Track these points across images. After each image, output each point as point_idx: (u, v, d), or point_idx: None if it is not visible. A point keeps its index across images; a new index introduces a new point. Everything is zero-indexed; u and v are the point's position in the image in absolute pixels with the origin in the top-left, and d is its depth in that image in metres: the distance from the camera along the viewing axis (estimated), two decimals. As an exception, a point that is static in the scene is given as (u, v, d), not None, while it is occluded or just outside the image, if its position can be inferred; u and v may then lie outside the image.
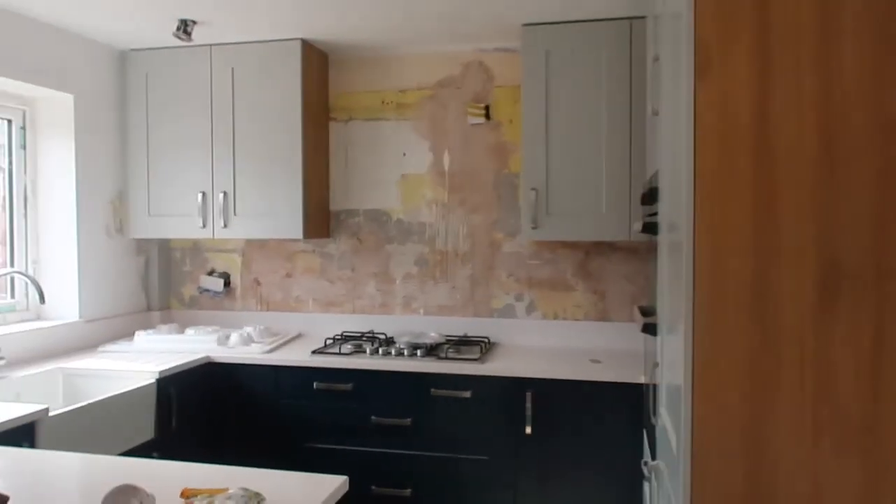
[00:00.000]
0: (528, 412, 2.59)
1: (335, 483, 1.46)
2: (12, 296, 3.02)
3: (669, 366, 1.59)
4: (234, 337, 3.07)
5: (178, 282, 3.64)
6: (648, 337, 2.29)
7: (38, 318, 3.09)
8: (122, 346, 3.05)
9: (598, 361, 2.73)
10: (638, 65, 2.75)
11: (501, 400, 2.63)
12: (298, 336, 3.37)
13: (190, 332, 3.19)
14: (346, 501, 2.73)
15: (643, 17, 2.71)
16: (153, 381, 2.59)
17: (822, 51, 1.30)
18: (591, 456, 2.55)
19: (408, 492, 2.72)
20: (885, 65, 1.27)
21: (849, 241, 1.28)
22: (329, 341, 3.09)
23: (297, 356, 2.87)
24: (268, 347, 3.00)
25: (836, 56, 1.29)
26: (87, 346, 3.09)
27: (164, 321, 3.57)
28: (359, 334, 3.22)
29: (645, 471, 1.94)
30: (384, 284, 3.35)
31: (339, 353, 2.87)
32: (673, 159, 1.65)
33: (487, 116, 3.23)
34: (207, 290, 3.58)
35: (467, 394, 2.65)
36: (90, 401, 2.31)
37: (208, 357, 2.90)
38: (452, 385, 2.68)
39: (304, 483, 1.47)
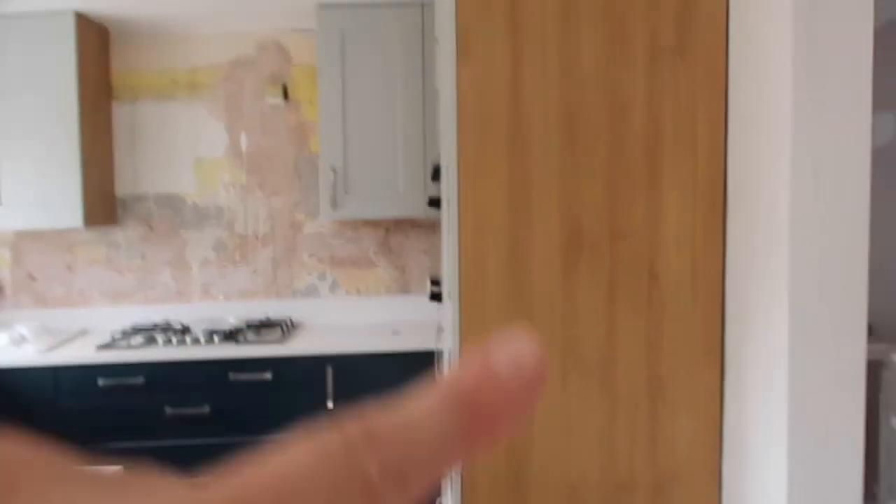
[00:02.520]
0: (330, 388, 2.64)
1: (110, 474, 1.40)
2: None
3: (447, 331, 1.71)
4: (2, 338, 2.77)
5: (-68, 281, 3.20)
6: (438, 305, 2.43)
7: None
8: None
9: (398, 333, 2.84)
10: (430, 48, 2.86)
11: (303, 378, 2.65)
12: (83, 333, 3.12)
13: (-53, 336, 2.82)
14: None
15: (433, 2, 2.83)
16: None
17: (564, 36, 1.46)
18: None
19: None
20: (614, 49, 1.46)
21: (589, 209, 1.47)
22: (117, 335, 2.90)
23: (79, 354, 2.67)
24: (44, 347, 2.75)
25: (574, 40, 1.46)
26: None
27: (-85, 327, 3.12)
28: (151, 326, 3.05)
29: None
30: (179, 272, 3.20)
31: (129, 347, 2.71)
32: (446, 138, 1.76)
33: (286, 97, 3.18)
34: (-31, 289, 3.18)
35: (268, 375, 2.64)
36: None
37: (-30, 362, 2.60)
38: (252, 368, 2.64)
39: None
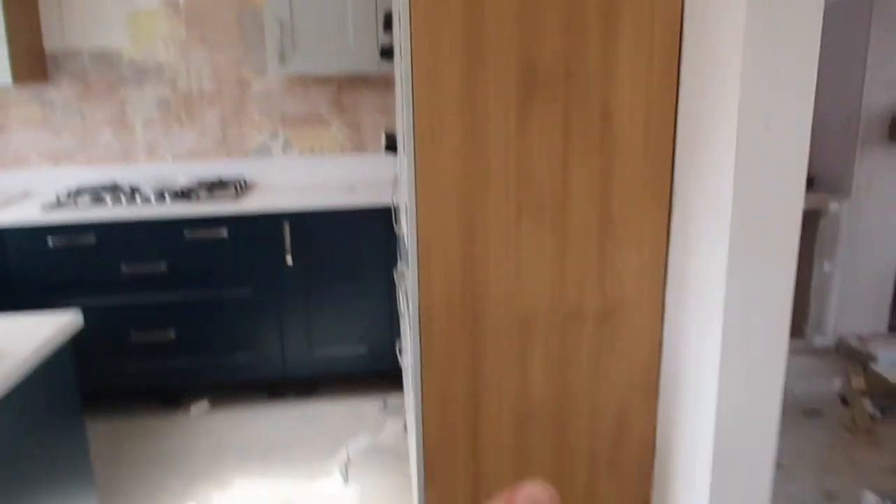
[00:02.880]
0: (287, 244, 2.66)
1: (63, 319, 1.41)
2: None
3: (402, 177, 1.72)
4: (-58, 200, 2.66)
5: None
6: (394, 159, 2.42)
7: None
8: None
9: (354, 190, 2.84)
10: None
11: (260, 235, 2.65)
12: (24, 195, 3.02)
13: None
14: (106, 353, 2.64)
15: None
16: None
17: None
18: (351, 275, 2.72)
19: (171, 333, 2.70)
20: None
21: (544, 47, 1.44)
22: (63, 197, 2.82)
23: (25, 215, 2.60)
24: (-13, 207, 2.66)
25: None
26: None
27: None
28: (98, 186, 2.97)
29: (396, 278, 2.13)
30: (122, 132, 3.07)
31: (77, 207, 2.64)
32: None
33: (221, -61, 2.94)
34: None
35: (224, 232, 2.63)
36: None
37: None
38: (207, 226, 2.63)
39: (31, 324, 1.40)
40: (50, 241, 2.58)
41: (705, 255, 1.39)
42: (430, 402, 1.56)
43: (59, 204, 2.70)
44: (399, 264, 2.23)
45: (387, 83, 3.09)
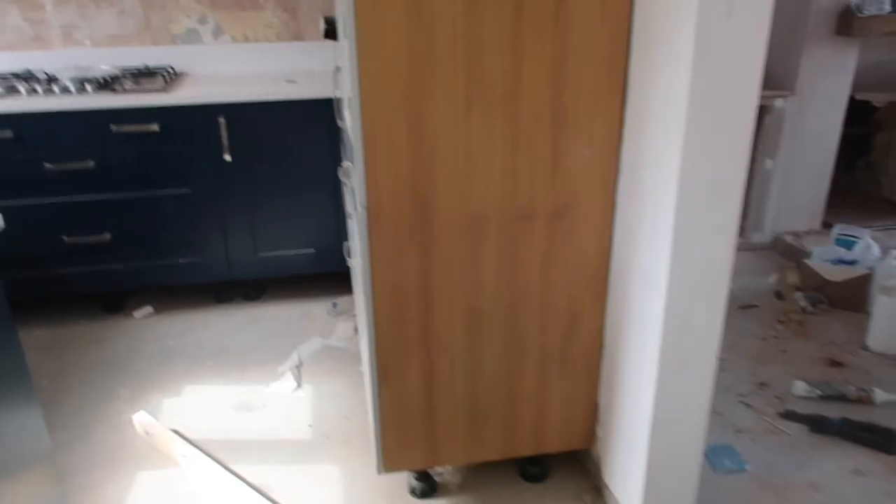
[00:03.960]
0: (224, 139, 2.51)
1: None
2: None
3: (346, 70, 1.60)
4: None
5: None
6: (336, 49, 2.27)
7: None
8: None
9: (293, 82, 2.67)
10: None
11: (195, 130, 2.49)
12: (-72, 84, 2.74)
13: None
14: (37, 257, 2.51)
15: None
16: None
17: None
18: (294, 173, 2.61)
19: (107, 236, 2.57)
20: None
21: (499, -82, 1.31)
22: (-31, 85, 2.57)
23: (-72, 105, 2.36)
24: None
25: None
26: None
27: None
28: (8, 74, 2.71)
29: (340, 174, 2.03)
30: (32, 12, 2.78)
31: (-14, 97, 2.41)
32: None
33: None
34: None
35: (155, 126, 2.46)
36: None
37: None
38: (136, 119, 2.44)
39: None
40: (-41, 136, 2.37)
41: (659, 150, 1.36)
42: (381, 301, 1.53)
43: (-35, 94, 2.45)
44: (343, 161, 2.13)
45: (326, -38, 2.86)
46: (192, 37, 2.89)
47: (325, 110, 2.52)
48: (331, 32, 1.94)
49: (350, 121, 1.54)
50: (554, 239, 1.55)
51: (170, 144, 2.49)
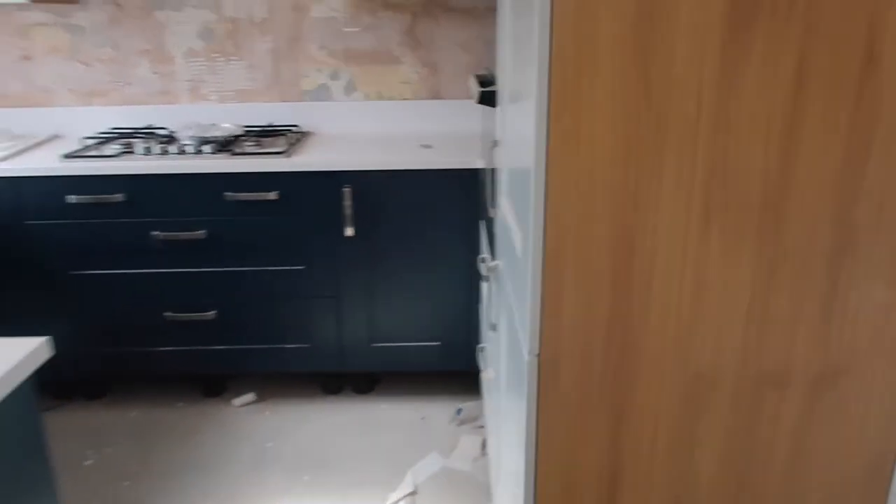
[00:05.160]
0: (348, 211, 2.16)
1: (27, 348, 0.96)
2: None
3: (513, 144, 1.18)
4: (-49, 142, 2.27)
5: None
6: (488, 114, 1.87)
7: None
8: None
9: (428, 146, 2.30)
10: None
11: (316, 199, 2.16)
12: (53, 138, 2.62)
13: None
14: (136, 332, 2.24)
15: None
16: None
17: None
18: (422, 254, 2.21)
19: (212, 314, 2.28)
20: None
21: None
22: (89, 142, 2.39)
23: (43, 163, 2.18)
24: (1, 154, 2.25)
25: None
26: None
27: None
28: (130, 131, 2.53)
29: (482, 269, 1.61)
30: (161, 65, 2.61)
31: (101, 156, 2.21)
32: None
33: None
34: (-90, 82, 2.63)
35: (273, 195, 2.15)
36: None
37: None
38: (253, 186, 2.15)
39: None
40: (69, 197, 2.17)
41: None
42: (548, 486, 1.06)
43: (81, 151, 2.27)
44: (485, 255, 1.70)
45: (471, 11, 2.50)
46: (322, 93, 2.61)
47: (464, 182, 2.13)
48: (487, 97, 1.54)
49: (519, 227, 1.11)
50: (813, 416, 1.03)
51: (287, 214, 2.18)
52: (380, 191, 2.15)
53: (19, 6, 2.53)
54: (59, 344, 2.33)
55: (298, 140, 2.42)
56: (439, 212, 2.17)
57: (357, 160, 2.13)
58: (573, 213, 0.93)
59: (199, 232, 2.20)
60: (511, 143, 1.21)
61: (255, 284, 2.26)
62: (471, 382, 2.44)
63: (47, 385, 2.52)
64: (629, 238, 0.93)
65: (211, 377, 2.46)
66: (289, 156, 2.20)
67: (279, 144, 2.31)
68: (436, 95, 2.59)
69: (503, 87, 1.37)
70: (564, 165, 0.91)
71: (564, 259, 0.95)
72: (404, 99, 2.60)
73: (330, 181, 2.14)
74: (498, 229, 1.48)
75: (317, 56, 2.58)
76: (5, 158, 2.25)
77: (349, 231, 2.19)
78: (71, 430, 2.29)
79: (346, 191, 2.14)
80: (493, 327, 1.58)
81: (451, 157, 2.13)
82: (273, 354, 2.34)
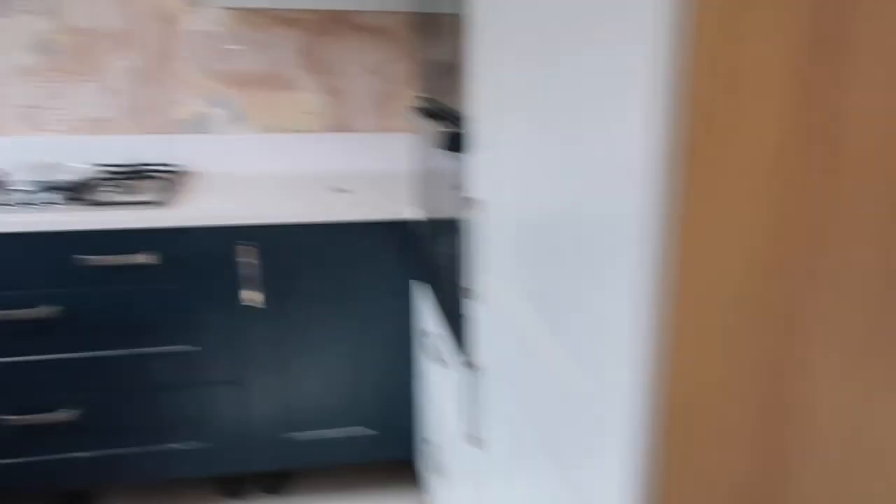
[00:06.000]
0: (248, 274, 1.74)
1: None
2: None
3: (552, 214, 0.86)
4: None
5: None
6: (425, 154, 1.55)
7: None
8: None
9: (343, 190, 1.93)
10: None
11: (206, 263, 1.72)
12: None
13: None
14: None
15: None
16: None
17: None
18: (344, 325, 1.83)
19: (72, 413, 1.75)
20: None
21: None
22: None
23: None
24: None
25: None
26: None
27: None
28: (-60, 173, 1.93)
29: (428, 347, 1.27)
30: (-20, 86, 2.02)
31: None
32: None
33: None
34: None
35: (147, 257, 1.68)
36: None
37: None
38: (123, 246, 1.67)
39: None
40: None
41: None
42: None
43: None
44: (428, 327, 1.34)
45: (382, 31, 2.16)
46: (201, 124, 2.14)
47: (392, 236, 1.78)
48: (454, 140, 1.21)
49: (571, 343, 0.79)
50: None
51: (171, 282, 1.71)
52: (289, 248, 1.75)
53: None
54: None
55: (175, 183, 1.94)
56: (363, 272, 1.80)
57: (259, 210, 1.71)
58: (699, 343, 0.62)
59: (49, 308, 1.67)
60: (542, 211, 0.89)
61: (130, 372, 1.76)
62: (408, 476, 2.08)
63: None
64: (776, 377, 0.65)
65: (75, 492, 1.90)
66: (168, 205, 1.73)
67: (150, 190, 1.83)
68: (343, 127, 2.22)
69: (483, 130, 1.06)
70: (697, 267, 0.60)
71: (689, 405, 0.64)
72: (305, 132, 2.20)
73: (223, 238, 1.71)
74: (485, 318, 1.15)
75: (192, 78, 2.11)
76: None
77: (249, 299, 1.76)
78: None
79: (246, 249, 1.72)
80: (475, 441, 1.24)
81: (375, 206, 1.77)
82: (157, 458, 1.84)
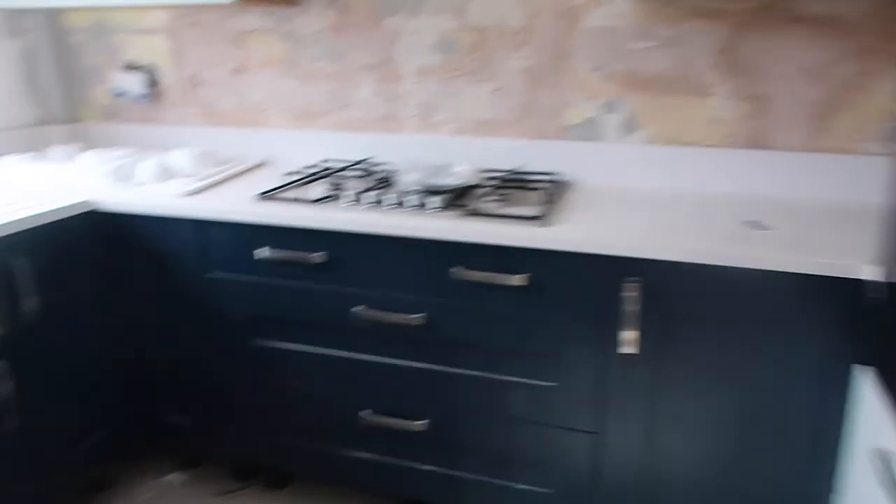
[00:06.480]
0: (628, 316, 1.44)
1: None
2: None
3: None
4: (147, 168, 1.90)
5: (85, 81, 2.43)
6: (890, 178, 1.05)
7: None
8: (-31, 181, 1.94)
9: (760, 226, 1.50)
10: None
11: (579, 293, 1.47)
12: (260, 165, 2.20)
13: (88, 156, 2.04)
14: (318, 427, 1.71)
15: None
16: (-30, 249, 1.49)
17: None
18: (734, 399, 1.42)
19: (422, 424, 1.68)
20: None
21: None
22: (292, 177, 1.92)
23: (232, 204, 1.71)
24: (193, 186, 1.84)
25: None
26: (-83, 180, 1.98)
27: (75, 138, 2.43)
28: (343, 165, 2.03)
29: (883, 471, 0.80)
30: (387, 85, 2.08)
31: (301, 201, 1.70)
32: None
33: None
34: (124, 94, 2.37)
35: (520, 279, 1.49)
36: None
37: (89, 204, 1.77)
38: (494, 263, 1.51)
39: None
40: (257, 251, 1.68)
41: None
42: None
43: (281, 191, 1.78)
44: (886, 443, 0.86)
45: (833, 23, 1.65)
46: (590, 129, 1.92)
47: (830, 298, 1.30)
48: None
49: None
50: None
51: (536, 308, 1.51)
52: (680, 290, 1.40)
53: (235, 9, 2.14)
54: (237, 422, 1.87)
55: (555, 195, 1.74)
56: (774, 337, 1.36)
57: (650, 242, 1.39)
58: None
59: (415, 316, 1.60)
60: None
61: (482, 396, 1.62)
62: None
63: (228, 465, 2.09)
64: None
65: (411, 502, 1.86)
66: (545, 222, 1.52)
67: (529, 202, 1.65)
68: (760, 143, 1.78)
69: None
70: None
71: None
72: (710, 145, 1.82)
73: (604, 268, 1.43)
74: None
75: (587, 80, 1.89)
76: (197, 192, 1.82)
77: (627, 346, 1.46)
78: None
79: (631, 287, 1.42)
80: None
81: (806, 253, 1.31)
82: (495, 491, 1.68)
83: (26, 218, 1.59)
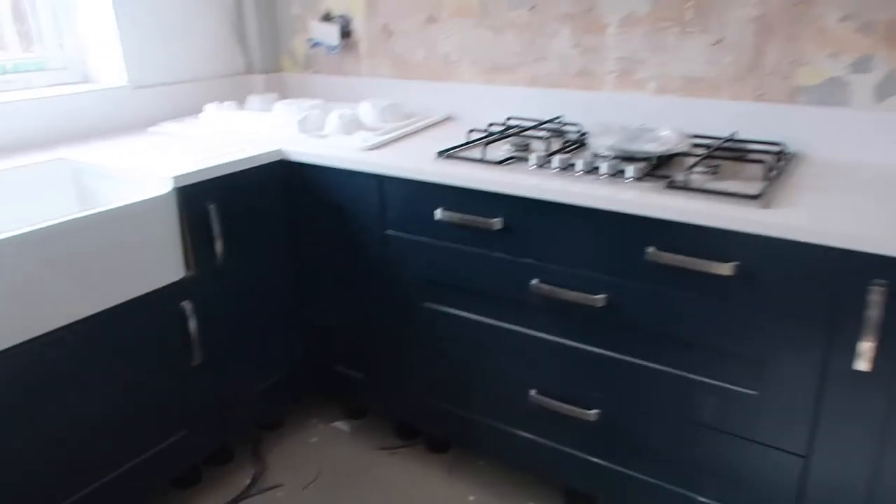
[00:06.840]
0: (864, 323, 1.16)
1: None
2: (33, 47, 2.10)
3: None
4: (333, 119, 1.90)
5: (289, 30, 2.49)
6: None
7: (85, 80, 2.18)
8: (180, 125, 2.06)
9: None
10: None
11: (803, 291, 1.21)
12: (446, 120, 2.12)
13: (281, 106, 2.08)
14: (484, 400, 1.62)
15: None
16: (169, 190, 1.56)
17: None
18: None
19: (593, 414, 1.53)
20: None
21: None
22: (475, 135, 1.80)
23: (412, 161, 1.64)
24: (376, 140, 1.80)
25: None
26: (138, 123, 2.15)
27: (271, 88, 2.52)
28: (532, 124, 1.88)
29: None
30: (586, 36, 1.88)
31: (483, 161, 1.59)
32: None
33: None
34: (320, 44, 2.39)
35: (728, 268, 1.26)
36: (56, 221, 1.34)
37: (278, 154, 1.79)
38: (697, 246, 1.30)
39: None
40: (435, 211, 1.60)
41: None
42: None
43: (462, 150, 1.68)
44: None
45: None
46: (830, 92, 1.59)
47: None
48: None
49: None
50: None
51: (742, 303, 1.27)
52: (947, 302, 1.09)
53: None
54: (403, 381, 1.85)
55: (780, 172, 1.46)
56: None
57: (890, 237, 1.10)
58: None
59: (597, 296, 1.43)
60: None
61: (667, 393, 1.43)
62: None
63: (392, 421, 2.10)
64: None
65: (576, 493, 1.73)
66: (764, 203, 1.27)
67: (748, 177, 1.40)
68: None
69: None
70: None
71: None
72: None
73: (841, 265, 1.16)
74: None
75: (835, 31, 1.55)
76: (379, 146, 1.78)
77: (858, 359, 1.18)
78: (392, 479, 1.81)
79: (871, 290, 1.14)
80: None
81: None
82: (673, 499, 1.50)
83: (221, 164, 1.64)
